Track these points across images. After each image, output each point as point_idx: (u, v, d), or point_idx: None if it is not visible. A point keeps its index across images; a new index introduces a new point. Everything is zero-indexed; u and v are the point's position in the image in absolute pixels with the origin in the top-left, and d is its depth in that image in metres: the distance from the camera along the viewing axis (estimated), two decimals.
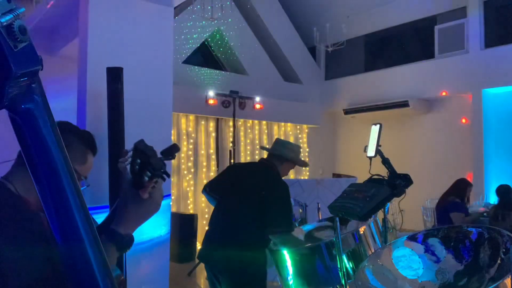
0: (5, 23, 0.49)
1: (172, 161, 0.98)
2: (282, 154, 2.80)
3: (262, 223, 2.56)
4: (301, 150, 3.01)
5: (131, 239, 1.02)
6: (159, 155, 0.97)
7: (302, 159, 3.02)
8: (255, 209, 2.59)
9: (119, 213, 1.01)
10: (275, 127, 9.29)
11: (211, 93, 7.81)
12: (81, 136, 1.26)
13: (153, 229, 3.56)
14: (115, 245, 0.99)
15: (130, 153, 0.96)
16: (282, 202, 2.58)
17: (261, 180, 2.71)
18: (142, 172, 0.94)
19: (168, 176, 0.95)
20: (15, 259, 0.98)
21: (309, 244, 2.42)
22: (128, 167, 0.97)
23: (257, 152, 8.75)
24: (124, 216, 1.00)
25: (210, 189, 2.90)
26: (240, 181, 2.80)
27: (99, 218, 1.23)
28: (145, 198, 0.97)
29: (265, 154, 3.15)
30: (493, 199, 7.00)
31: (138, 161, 0.93)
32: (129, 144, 3.64)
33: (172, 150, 1.00)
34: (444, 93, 8.11)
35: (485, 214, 5.47)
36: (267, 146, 3.10)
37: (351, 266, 2.26)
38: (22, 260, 0.99)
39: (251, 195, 2.65)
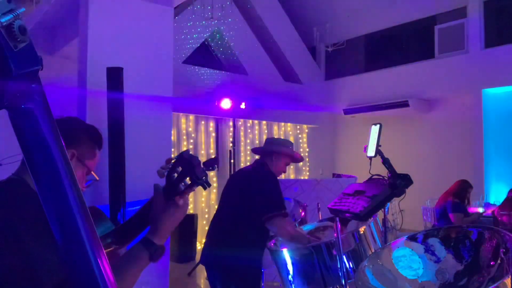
0: (5, 23, 0.49)
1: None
2: (270, 150, 2.83)
3: (255, 222, 2.56)
4: (294, 146, 3.07)
5: (163, 250, 1.07)
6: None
7: (296, 152, 3.03)
8: (246, 209, 2.61)
9: (153, 224, 1.06)
10: (275, 127, 9.28)
11: (211, 93, 7.81)
12: (89, 132, 1.32)
13: None
14: (149, 254, 1.04)
15: (173, 161, 1.00)
16: (269, 188, 2.61)
17: (250, 179, 2.75)
18: (179, 180, 0.98)
19: (209, 185, 0.99)
20: (46, 257, 0.98)
21: (309, 244, 2.42)
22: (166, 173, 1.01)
23: None
24: (158, 226, 1.05)
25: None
26: (234, 184, 2.90)
27: None
28: (180, 204, 1.02)
29: None
30: (493, 199, 7.00)
31: (179, 169, 0.97)
32: (129, 144, 3.62)
33: (213, 162, 1.05)
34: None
35: (484, 214, 5.47)
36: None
37: (351, 266, 2.26)
38: (53, 257, 0.98)
39: (242, 195, 2.71)
